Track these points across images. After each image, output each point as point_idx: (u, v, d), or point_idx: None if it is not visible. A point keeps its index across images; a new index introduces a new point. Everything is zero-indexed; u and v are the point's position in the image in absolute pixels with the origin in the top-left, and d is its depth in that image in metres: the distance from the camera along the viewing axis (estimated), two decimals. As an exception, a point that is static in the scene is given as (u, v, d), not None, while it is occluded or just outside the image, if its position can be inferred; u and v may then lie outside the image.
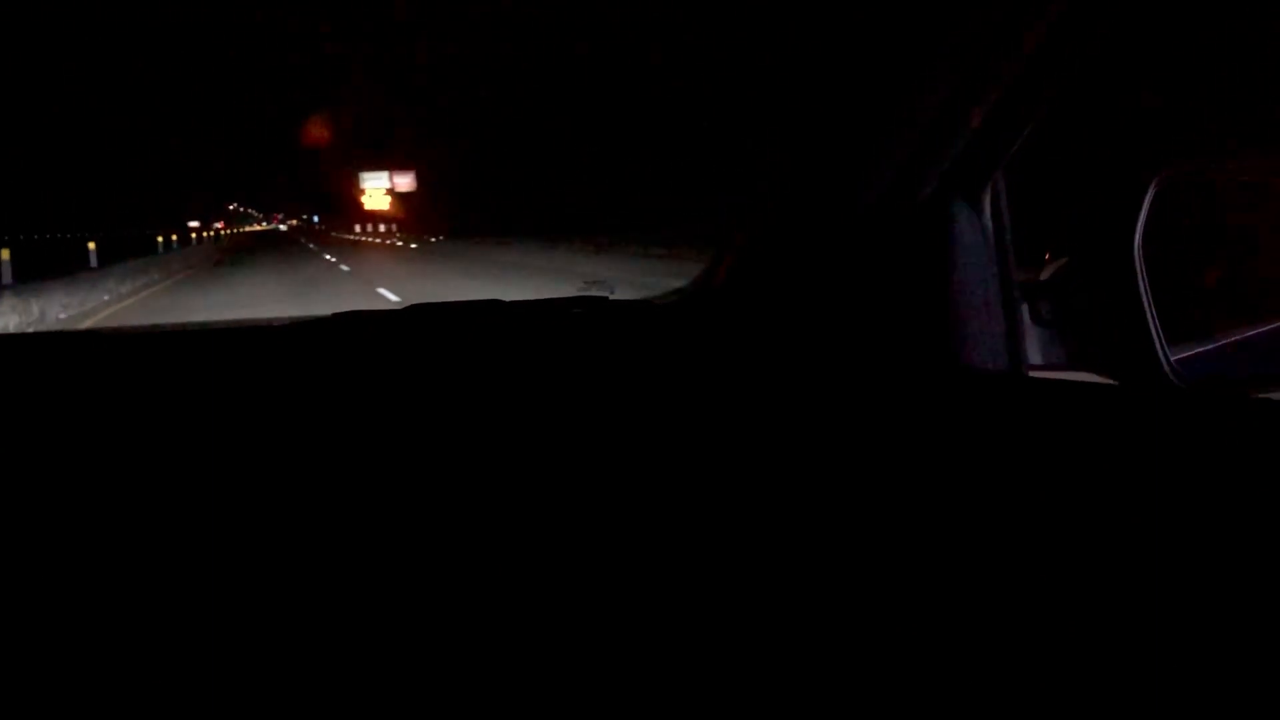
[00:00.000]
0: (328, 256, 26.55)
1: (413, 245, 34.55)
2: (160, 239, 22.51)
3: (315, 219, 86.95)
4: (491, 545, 1.09)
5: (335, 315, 1.48)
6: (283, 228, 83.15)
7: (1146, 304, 1.06)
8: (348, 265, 23.15)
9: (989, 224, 1.13)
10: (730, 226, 1.33)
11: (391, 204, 70.27)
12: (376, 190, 71.50)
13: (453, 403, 1.29)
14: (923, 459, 1.04)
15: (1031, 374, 1.11)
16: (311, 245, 37.78)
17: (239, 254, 33.53)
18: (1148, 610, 0.80)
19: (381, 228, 61.33)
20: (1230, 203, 1.21)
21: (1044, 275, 1.12)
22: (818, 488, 1.08)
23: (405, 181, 72.71)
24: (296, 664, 0.95)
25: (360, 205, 76.80)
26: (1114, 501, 0.88)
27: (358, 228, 63.38)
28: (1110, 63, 1.05)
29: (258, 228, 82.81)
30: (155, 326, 1.64)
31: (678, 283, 1.55)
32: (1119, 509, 0.87)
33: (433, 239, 38.89)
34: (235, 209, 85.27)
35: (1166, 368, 1.05)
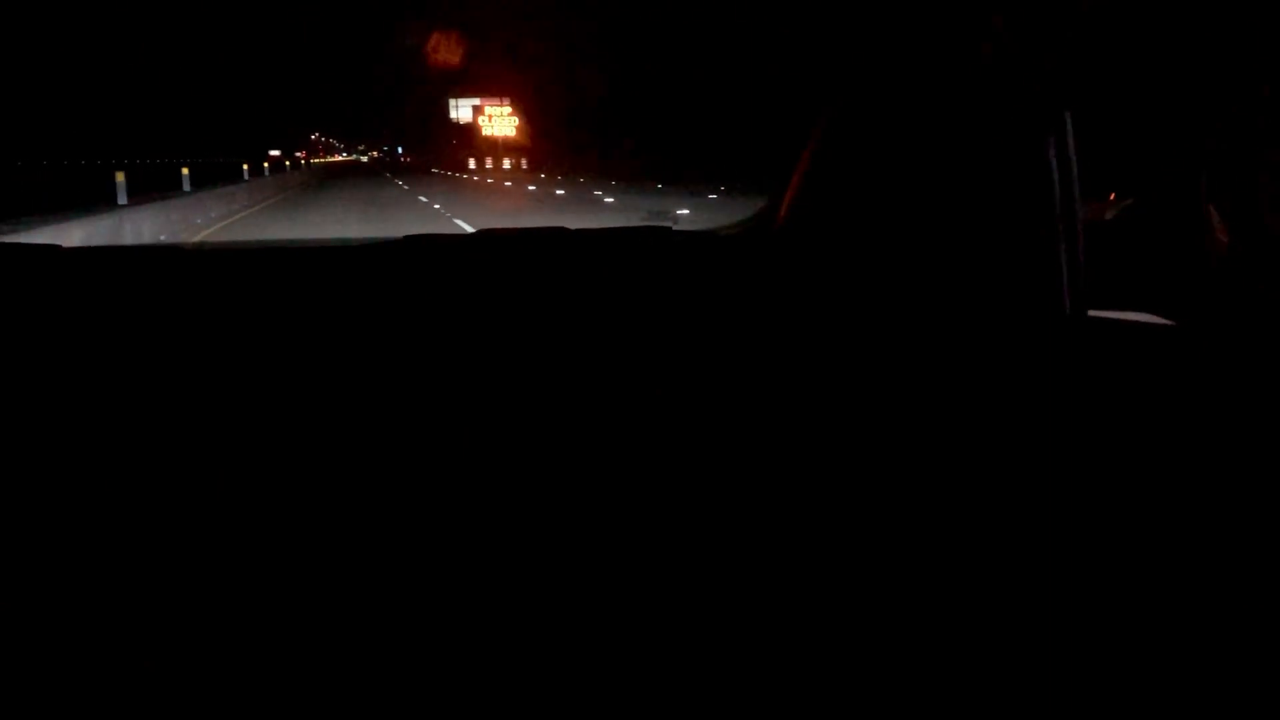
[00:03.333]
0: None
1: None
2: (246, 166, 22.53)
3: (400, 150, 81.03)
4: (549, 468, 1.15)
5: (406, 238, 1.56)
6: (364, 159, 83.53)
7: (1211, 246, 1.05)
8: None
9: (1055, 162, 1.13)
10: (791, 157, 1.35)
11: (519, 130, 55.75)
12: (500, 114, 57.17)
13: (517, 329, 1.35)
14: (984, 402, 1.06)
15: (1092, 314, 1.12)
16: (403, 184, 27.86)
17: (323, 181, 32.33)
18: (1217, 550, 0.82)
19: (507, 163, 47.45)
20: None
21: (1109, 214, 1.12)
22: (879, 427, 1.11)
23: (498, 110, 59.89)
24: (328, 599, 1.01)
25: (460, 134, 63.63)
26: (1170, 443, 0.90)
27: (471, 162, 48.96)
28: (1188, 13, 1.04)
29: (338, 159, 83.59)
30: (237, 243, 1.74)
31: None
32: (1174, 450, 0.89)
33: (582, 179, 27.19)
34: (317, 138, 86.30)
35: (1225, 310, 1.05)
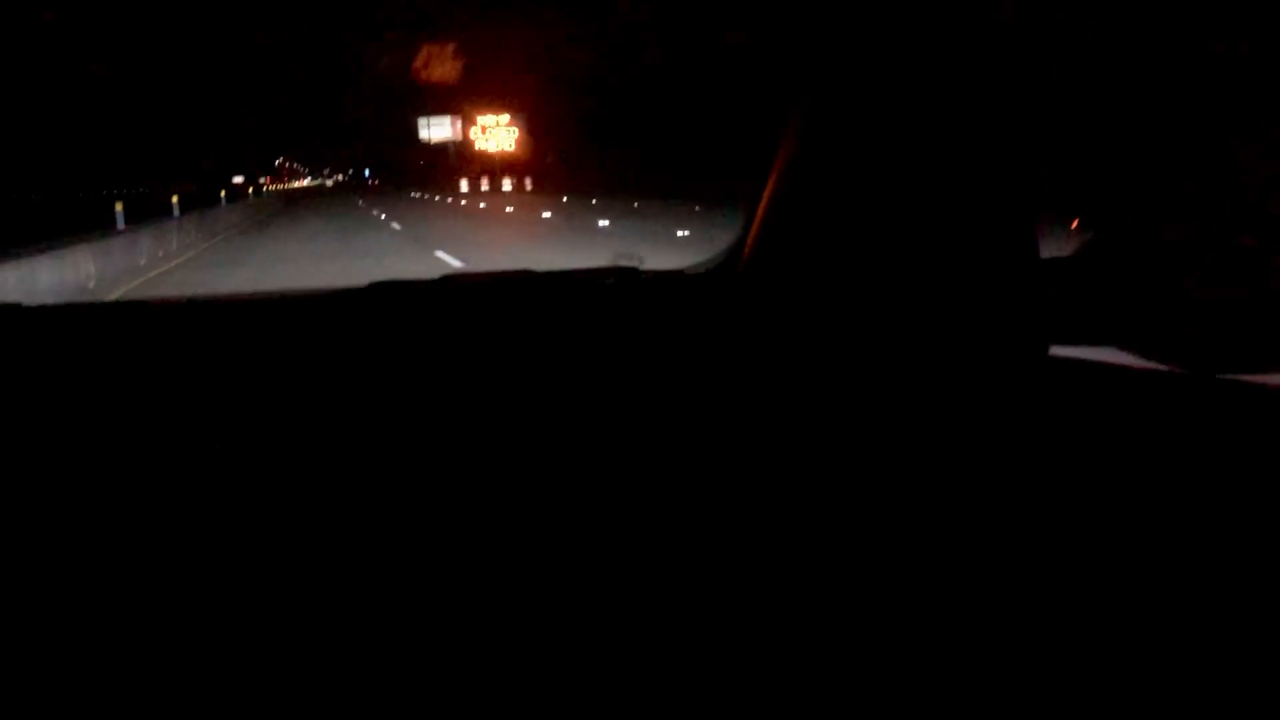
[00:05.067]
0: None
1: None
2: (176, 199, 18.67)
3: (367, 173, 78.33)
4: (517, 508, 1.16)
5: (371, 285, 1.55)
6: (329, 184, 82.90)
7: (1175, 281, 1.07)
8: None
9: (1014, 199, 1.15)
10: (756, 194, 1.36)
11: (519, 144, 46.92)
12: (497, 127, 48.35)
13: (484, 373, 1.35)
14: (946, 438, 1.07)
15: (1055, 351, 1.13)
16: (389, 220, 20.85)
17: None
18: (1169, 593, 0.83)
19: (507, 183, 39.92)
20: (1258, 180, 1.20)
21: (1070, 251, 1.14)
22: (838, 462, 1.12)
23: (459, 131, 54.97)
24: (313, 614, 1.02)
25: (431, 154, 56.87)
26: (1134, 484, 0.91)
27: (464, 184, 40.19)
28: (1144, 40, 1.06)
29: (303, 184, 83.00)
30: (191, 296, 1.73)
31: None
32: (1138, 492, 0.90)
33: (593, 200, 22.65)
34: (283, 163, 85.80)
35: (1191, 347, 1.07)
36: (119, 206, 14.96)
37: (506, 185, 40.25)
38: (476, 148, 49.70)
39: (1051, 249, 1.13)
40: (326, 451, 1.24)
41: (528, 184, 38.59)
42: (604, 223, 16.40)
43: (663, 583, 1.05)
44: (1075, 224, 1.20)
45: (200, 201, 22.38)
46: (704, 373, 1.32)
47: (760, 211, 1.36)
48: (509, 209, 23.88)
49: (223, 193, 26.54)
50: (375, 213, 25.17)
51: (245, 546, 1.12)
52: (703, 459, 1.19)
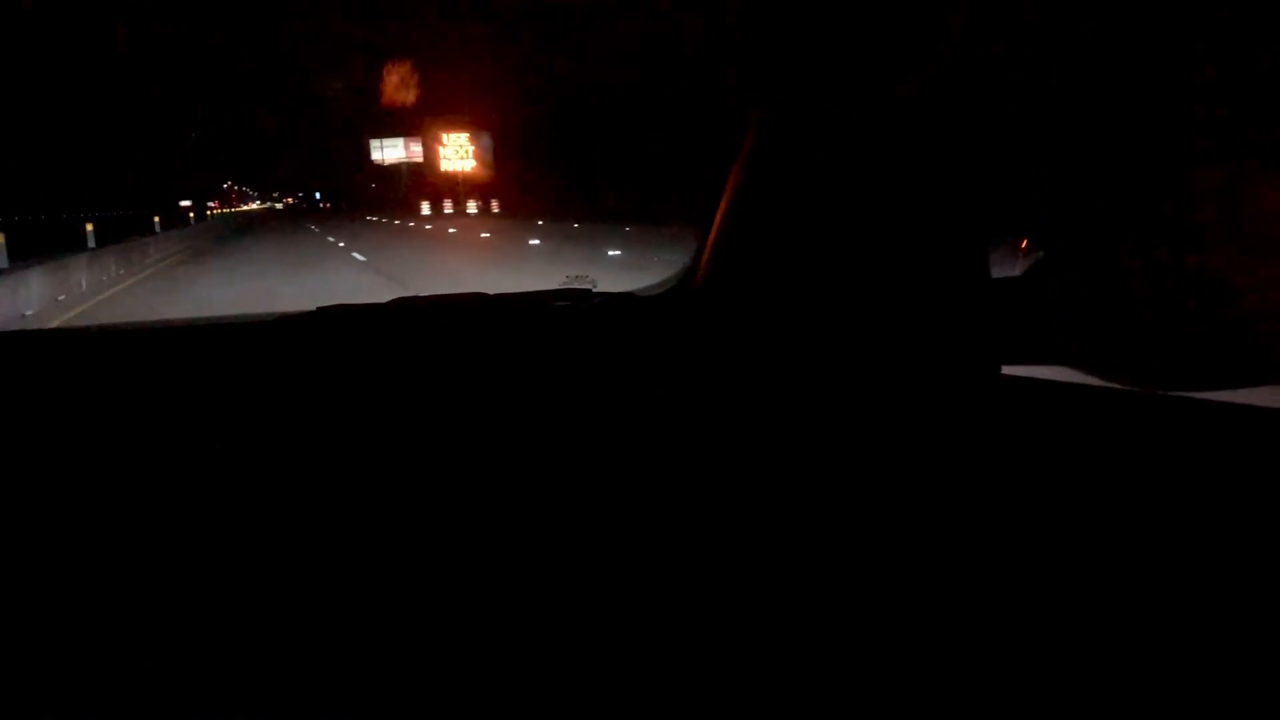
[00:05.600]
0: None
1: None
2: (90, 228, 16.34)
3: (318, 196, 77.36)
4: (473, 537, 1.13)
5: (319, 310, 1.52)
6: (279, 206, 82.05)
7: (1127, 300, 1.08)
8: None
9: (966, 219, 1.16)
10: (709, 217, 1.36)
11: (478, 162, 44.85)
12: (457, 142, 45.73)
13: (436, 398, 1.33)
14: (900, 454, 1.07)
15: (1007, 370, 1.14)
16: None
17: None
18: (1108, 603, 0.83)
19: (471, 206, 37.94)
20: (1206, 199, 1.22)
21: (1019, 270, 1.15)
22: (791, 480, 1.12)
23: (416, 151, 51.93)
24: (269, 659, 0.99)
25: (383, 176, 54.70)
26: (1084, 500, 0.91)
27: (425, 206, 39.12)
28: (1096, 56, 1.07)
29: (251, 207, 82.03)
30: (137, 323, 1.67)
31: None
32: (1089, 507, 0.90)
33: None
34: (231, 187, 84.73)
35: (1144, 365, 1.08)
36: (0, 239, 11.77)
37: (472, 208, 38.43)
38: (441, 168, 46.85)
39: (1002, 269, 1.14)
40: (268, 481, 1.21)
41: (494, 205, 37.05)
42: (614, 253, 15.00)
43: (620, 604, 1.03)
44: (1025, 244, 1.21)
45: (134, 228, 21.12)
46: (659, 392, 1.31)
47: (713, 232, 1.36)
48: (484, 235, 22.62)
49: (156, 218, 25.05)
50: (332, 240, 23.20)
51: (184, 580, 1.09)
52: (659, 479, 1.18)
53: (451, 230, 25.92)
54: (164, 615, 1.04)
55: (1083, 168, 1.19)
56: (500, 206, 36.39)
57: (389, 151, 55.55)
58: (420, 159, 52.75)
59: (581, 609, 1.02)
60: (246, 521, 1.15)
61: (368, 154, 56.16)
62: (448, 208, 39.30)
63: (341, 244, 20.74)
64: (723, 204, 1.34)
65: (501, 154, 43.15)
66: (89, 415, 1.28)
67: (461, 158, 46.52)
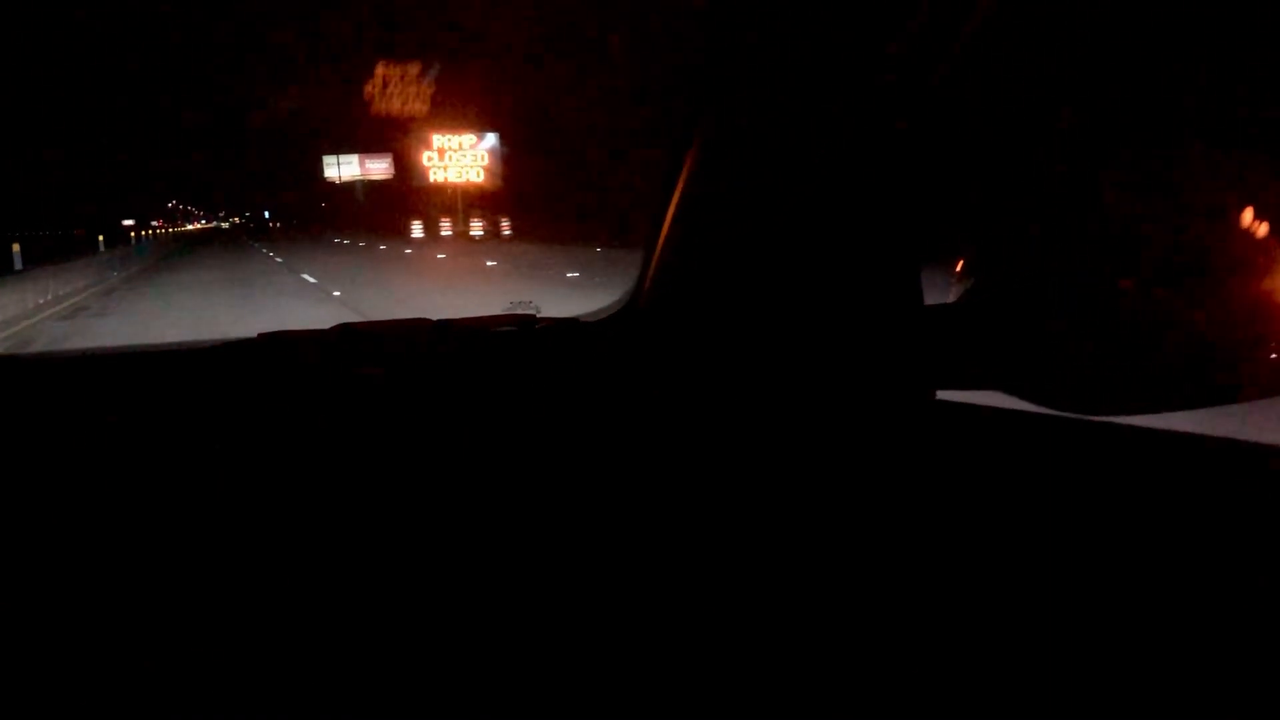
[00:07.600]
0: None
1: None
2: (17, 248, 15.44)
3: (267, 215, 75.29)
4: (418, 567, 1.12)
5: (261, 336, 1.50)
6: (224, 226, 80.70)
7: (1059, 326, 1.11)
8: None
9: (898, 243, 1.18)
10: (654, 240, 1.37)
11: (488, 174, 36.42)
12: (462, 151, 36.99)
13: (380, 423, 1.32)
14: (835, 477, 1.08)
15: (940, 395, 1.16)
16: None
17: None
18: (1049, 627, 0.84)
19: (476, 226, 31.84)
20: (1136, 225, 1.26)
21: (952, 297, 1.18)
22: (730, 498, 1.13)
23: (381, 168, 46.92)
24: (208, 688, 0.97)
25: (334, 195, 49.41)
26: (1016, 524, 0.93)
27: (416, 227, 32.77)
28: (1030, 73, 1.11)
29: (196, 226, 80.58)
30: (79, 350, 1.64)
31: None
32: (1020, 531, 0.92)
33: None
34: (175, 206, 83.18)
35: (1075, 390, 1.10)
36: (16, 248, 11.13)
37: (476, 230, 31.14)
38: (431, 179, 37.65)
39: (935, 295, 1.16)
40: (210, 511, 1.19)
41: (504, 226, 30.47)
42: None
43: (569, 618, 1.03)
44: (958, 269, 1.23)
45: (72, 248, 20.25)
46: (604, 415, 1.32)
47: (656, 254, 1.38)
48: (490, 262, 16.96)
49: (100, 237, 23.94)
50: (299, 273, 17.57)
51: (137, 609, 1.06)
52: (602, 499, 1.19)
53: (440, 256, 20.40)
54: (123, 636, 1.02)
55: (1014, 194, 1.22)
56: (511, 227, 30.51)
57: (345, 169, 51.37)
58: (384, 174, 47.98)
59: (533, 623, 1.02)
60: (191, 552, 1.13)
61: (319, 171, 51.70)
62: (445, 228, 33.37)
63: (306, 276, 16.12)
64: (664, 226, 1.35)
65: (513, 159, 36.05)
66: (19, 448, 1.25)
67: (462, 165, 37.90)
